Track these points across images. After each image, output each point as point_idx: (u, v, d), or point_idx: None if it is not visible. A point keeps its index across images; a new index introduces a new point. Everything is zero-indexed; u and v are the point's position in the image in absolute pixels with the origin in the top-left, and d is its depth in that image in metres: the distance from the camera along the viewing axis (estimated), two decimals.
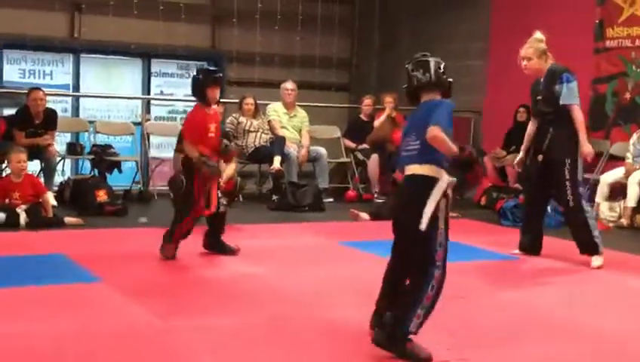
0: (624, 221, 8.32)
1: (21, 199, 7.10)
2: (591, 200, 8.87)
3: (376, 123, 10.32)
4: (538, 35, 6.20)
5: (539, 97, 6.19)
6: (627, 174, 8.57)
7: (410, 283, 3.80)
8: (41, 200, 7.20)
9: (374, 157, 10.09)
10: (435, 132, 3.65)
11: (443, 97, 3.94)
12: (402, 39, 12.40)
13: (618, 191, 8.73)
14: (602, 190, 8.72)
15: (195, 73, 6.09)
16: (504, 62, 10.74)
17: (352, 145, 10.59)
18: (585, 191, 6.27)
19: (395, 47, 12.42)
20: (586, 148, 6.02)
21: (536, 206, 6.46)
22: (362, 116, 10.74)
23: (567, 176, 6.01)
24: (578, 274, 5.89)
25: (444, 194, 3.67)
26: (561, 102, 6.02)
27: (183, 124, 6.63)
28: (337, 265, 5.97)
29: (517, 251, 6.46)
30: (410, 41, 12.33)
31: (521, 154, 6.47)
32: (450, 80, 3.97)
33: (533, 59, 6.11)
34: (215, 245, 6.09)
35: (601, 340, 4.20)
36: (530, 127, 6.40)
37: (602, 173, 9.06)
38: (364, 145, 10.39)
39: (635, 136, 8.82)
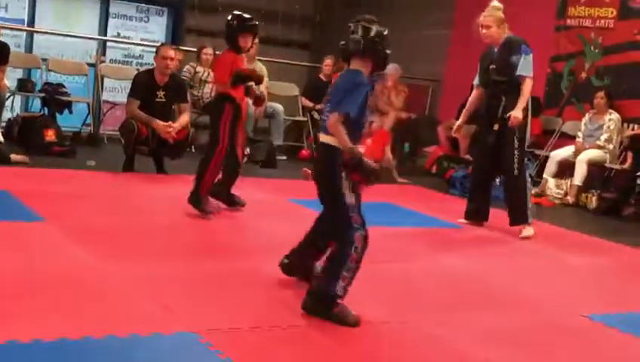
0: (570, 198, 8.46)
1: None
2: (538, 175, 9.05)
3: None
4: (496, 3, 6.20)
5: (492, 66, 6.18)
6: (576, 153, 8.70)
7: (333, 248, 3.84)
8: None
9: None
10: (333, 120, 3.65)
11: (374, 70, 3.86)
12: (366, 1, 12.32)
13: (566, 169, 8.87)
14: (551, 167, 8.86)
15: (229, 18, 5.92)
16: (467, 33, 10.79)
17: (310, 104, 10.55)
18: (530, 163, 6.40)
19: (359, 8, 12.28)
20: (517, 113, 5.98)
21: (485, 175, 6.49)
22: (322, 76, 10.69)
23: (516, 145, 6.09)
24: (519, 246, 5.99)
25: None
26: (517, 73, 6.02)
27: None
28: (283, 221, 5.97)
29: (462, 220, 6.53)
30: (375, 3, 12.26)
31: (459, 121, 6.60)
32: (388, 52, 3.84)
33: (492, 27, 6.11)
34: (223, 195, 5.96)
35: (537, 309, 4.29)
36: (473, 96, 6.49)
37: (552, 150, 9.19)
38: (321, 106, 10.35)
39: (587, 116, 8.95)
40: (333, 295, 3.64)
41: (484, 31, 6.14)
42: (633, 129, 8.82)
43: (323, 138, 3.80)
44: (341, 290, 3.66)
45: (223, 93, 5.83)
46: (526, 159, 6.21)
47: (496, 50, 6.20)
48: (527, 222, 6.20)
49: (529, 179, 6.29)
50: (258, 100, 6.29)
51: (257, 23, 6.00)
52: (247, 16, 5.93)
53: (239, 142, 5.96)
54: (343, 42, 3.89)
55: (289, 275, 4.18)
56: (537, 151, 9.50)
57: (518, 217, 6.22)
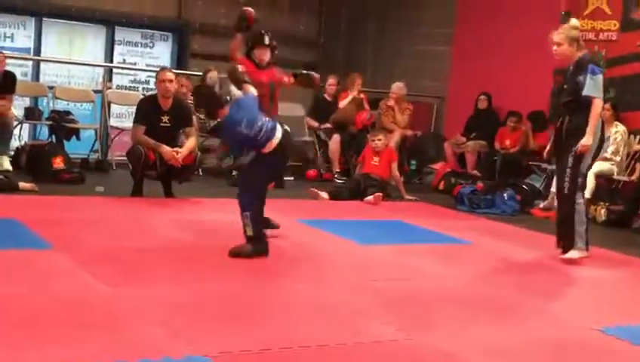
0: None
1: None
2: (546, 189, 9.02)
3: (342, 104, 10.34)
4: (574, 22, 6.10)
5: (564, 86, 6.09)
6: None
7: None
8: None
9: (336, 137, 10.11)
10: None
11: None
12: (369, 21, 12.40)
13: None
14: None
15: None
16: (468, 49, 10.89)
17: (315, 124, 10.57)
18: (583, 182, 6.01)
19: (361, 27, 12.41)
20: (587, 140, 5.83)
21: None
22: (326, 96, 10.72)
23: (570, 164, 5.91)
24: (528, 261, 5.97)
25: None
26: (583, 93, 5.85)
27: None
28: (293, 241, 5.97)
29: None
30: (377, 23, 12.33)
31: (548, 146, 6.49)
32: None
33: (564, 45, 5.96)
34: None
35: (548, 323, 4.27)
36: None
37: None
38: (327, 125, 10.39)
39: None
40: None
41: (554, 48, 6.02)
42: None
43: None
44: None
45: None
46: (580, 180, 5.92)
47: (570, 68, 6.07)
48: (575, 247, 5.92)
49: (580, 202, 5.95)
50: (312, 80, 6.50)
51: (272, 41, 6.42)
52: (263, 31, 6.39)
53: None
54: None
55: None
56: (545, 165, 9.48)
57: (565, 240, 5.98)
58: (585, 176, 6.06)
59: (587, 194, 8.36)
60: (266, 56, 6.20)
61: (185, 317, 3.80)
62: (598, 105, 5.91)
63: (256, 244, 5.13)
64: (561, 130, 6.04)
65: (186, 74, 9.91)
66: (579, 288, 5.29)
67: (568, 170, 5.92)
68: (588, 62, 5.96)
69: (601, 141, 6.09)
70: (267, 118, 5.21)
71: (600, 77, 5.91)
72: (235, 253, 5.05)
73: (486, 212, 8.18)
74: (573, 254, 5.92)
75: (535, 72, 9.91)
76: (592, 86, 5.86)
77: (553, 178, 8.89)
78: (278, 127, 5.21)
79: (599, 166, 8.54)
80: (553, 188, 8.76)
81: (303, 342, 3.56)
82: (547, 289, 5.14)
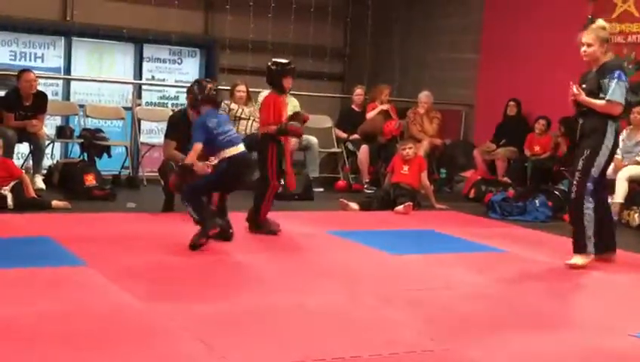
0: (613, 217, 8.32)
1: None
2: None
3: (370, 115, 10.34)
4: (601, 22, 5.96)
5: (584, 86, 5.89)
6: (616, 170, 8.57)
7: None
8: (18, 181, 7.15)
9: (365, 147, 10.10)
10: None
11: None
12: (395, 30, 12.40)
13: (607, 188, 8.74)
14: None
15: (269, 64, 6.64)
16: (496, 55, 10.84)
17: (344, 135, 10.58)
18: (592, 187, 5.82)
19: (388, 38, 12.41)
20: (583, 97, 5.76)
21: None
22: (354, 106, 10.73)
23: (580, 167, 5.81)
24: (562, 268, 5.89)
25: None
26: (607, 97, 5.71)
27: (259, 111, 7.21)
28: (324, 253, 5.98)
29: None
30: (403, 32, 12.32)
31: None
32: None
33: (594, 46, 5.81)
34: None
35: (582, 330, 4.22)
36: None
37: None
38: (355, 136, 10.39)
39: (625, 133, 8.84)
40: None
41: (584, 48, 5.85)
42: None
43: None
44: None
45: (267, 133, 6.48)
46: (589, 184, 5.78)
47: (594, 70, 5.92)
48: (583, 252, 5.81)
49: (589, 206, 5.80)
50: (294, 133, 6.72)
51: (294, 66, 6.69)
52: (286, 61, 6.66)
53: (287, 175, 6.73)
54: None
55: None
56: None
57: (575, 245, 5.86)
58: (597, 182, 5.87)
59: (620, 198, 8.33)
60: (290, 83, 6.61)
61: (219, 331, 3.82)
62: (617, 111, 5.80)
63: (206, 225, 5.71)
64: (574, 133, 5.99)
65: (219, 89, 9.97)
66: (613, 294, 5.22)
67: (577, 174, 5.83)
68: (617, 66, 5.85)
69: (615, 146, 5.96)
70: (235, 133, 6.16)
71: (625, 85, 5.80)
72: (193, 244, 5.64)
73: (518, 219, 8.11)
74: (577, 260, 5.81)
75: (564, 76, 9.78)
76: (618, 91, 5.72)
77: None
78: (242, 145, 5.95)
79: (631, 170, 8.46)
80: None
81: (337, 354, 3.56)
82: (582, 296, 5.10)
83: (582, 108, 5.90)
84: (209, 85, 6.09)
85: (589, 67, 6.04)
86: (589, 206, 5.83)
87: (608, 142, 5.81)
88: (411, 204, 8.20)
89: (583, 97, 5.81)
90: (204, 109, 6.01)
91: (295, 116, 6.72)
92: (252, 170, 6.77)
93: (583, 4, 9.69)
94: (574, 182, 5.86)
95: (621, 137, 8.82)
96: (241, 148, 5.94)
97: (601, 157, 5.81)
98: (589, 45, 5.84)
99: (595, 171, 5.81)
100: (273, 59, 6.67)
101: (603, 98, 5.75)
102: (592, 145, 5.82)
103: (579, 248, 5.85)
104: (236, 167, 5.95)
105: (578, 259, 5.81)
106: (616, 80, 5.73)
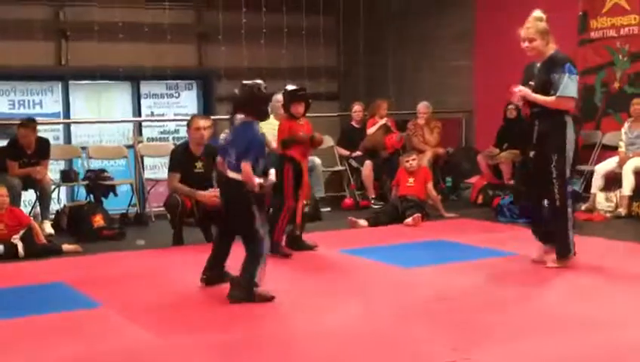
0: (622, 210, 8.31)
1: (6, 230, 7.06)
2: (586, 190, 8.93)
3: (370, 131, 10.36)
4: (537, 13, 5.77)
5: (530, 83, 5.70)
6: (621, 163, 8.58)
7: (247, 251, 5.03)
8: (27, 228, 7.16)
9: (368, 163, 10.11)
10: (245, 169, 4.96)
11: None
12: (388, 44, 12.44)
13: (613, 181, 8.74)
14: (597, 181, 8.73)
15: (282, 93, 6.88)
16: (490, 60, 10.86)
17: (346, 152, 10.59)
18: (570, 188, 5.80)
19: (381, 53, 12.45)
20: (530, 95, 5.61)
21: (535, 204, 5.94)
22: (353, 123, 10.75)
23: (554, 174, 5.62)
24: (578, 267, 5.87)
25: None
26: (559, 94, 5.54)
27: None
28: (339, 273, 5.97)
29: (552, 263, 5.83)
30: (396, 45, 12.37)
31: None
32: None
33: (537, 39, 5.65)
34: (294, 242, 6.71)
35: (606, 329, 4.20)
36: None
37: (596, 163, 9.08)
38: (358, 153, 10.40)
39: (626, 125, 8.85)
40: (254, 284, 4.87)
41: (526, 44, 5.69)
42: None
43: (231, 175, 5.08)
44: (258, 278, 4.90)
45: (284, 155, 6.63)
46: (567, 186, 5.71)
47: (538, 65, 5.75)
48: (569, 256, 5.76)
49: (570, 209, 5.75)
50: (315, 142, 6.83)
51: (305, 92, 6.82)
52: (295, 88, 6.80)
53: (302, 197, 6.70)
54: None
55: (210, 285, 5.33)
56: (581, 167, 9.39)
57: (561, 250, 5.78)
58: (570, 181, 5.80)
59: (628, 191, 8.32)
60: (301, 109, 6.68)
61: (243, 360, 3.81)
62: (570, 106, 5.64)
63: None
64: (529, 138, 5.70)
65: (209, 117, 10.00)
66: (630, 287, 5.20)
67: (555, 182, 5.62)
68: (566, 60, 5.65)
69: (576, 139, 5.83)
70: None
71: (576, 77, 5.62)
72: (260, 298, 4.98)
73: (529, 220, 8.09)
74: (564, 263, 5.75)
75: None
76: (570, 85, 5.55)
77: (592, 179, 8.83)
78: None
79: (637, 162, 8.45)
80: (594, 189, 8.69)
81: None
82: (599, 294, 5.07)
83: (534, 109, 5.69)
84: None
85: (532, 60, 5.86)
86: (570, 210, 5.76)
87: (570, 137, 5.68)
88: (420, 215, 8.19)
89: (534, 96, 5.61)
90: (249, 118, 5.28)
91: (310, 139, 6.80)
92: None
93: (574, 2, 9.73)
94: (555, 191, 5.63)
95: (623, 130, 8.84)
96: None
97: (568, 154, 5.68)
98: (530, 40, 5.68)
99: (567, 172, 5.69)
100: (286, 87, 6.85)
101: (554, 94, 5.57)
102: (556, 146, 5.63)
103: (567, 252, 5.76)
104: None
105: (564, 262, 5.75)
106: (567, 74, 5.55)
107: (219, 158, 5.35)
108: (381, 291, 5.33)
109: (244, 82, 5.39)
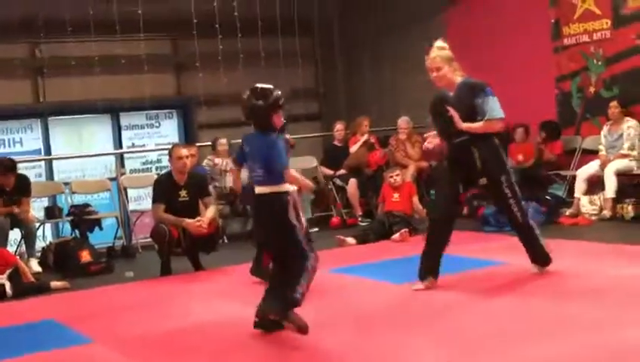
0: (606, 213, 8.37)
1: None
2: (570, 195, 8.99)
3: (353, 148, 10.39)
4: (439, 43, 5.70)
5: (449, 113, 5.54)
6: (603, 166, 8.65)
7: (289, 268, 4.64)
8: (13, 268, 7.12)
9: (353, 181, 10.13)
10: (290, 175, 4.66)
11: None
12: (364, 62, 12.52)
13: (596, 184, 8.81)
14: (580, 185, 8.79)
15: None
16: (466, 71, 10.91)
17: (330, 172, 10.62)
18: (526, 203, 5.85)
19: (358, 71, 12.53)
20: (468, 126, 5.50)
21: (447, 234, 5.79)
22: (336, 142, 10.79)
23: (509, 194, 5.61)
24: (567, 271, 5.90)
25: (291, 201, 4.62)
26: (488, 117, 5.48)
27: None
28: (332, 293, 5.95)
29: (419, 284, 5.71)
30: (373, 63, 12.44)
31: None
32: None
33: (444, 67, 5.57)
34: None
35: (602, 331, 4.22)
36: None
37: (577, 168, 9.15)
38: (342, 171, 10.43)
39: (605, 129, 8.93)
40: (295, 299, 4.46)
41: (434, 74, 5.60)
42: None
43: (261, 190, 4.64)
44: (299, 296, 4.49)
45: None
46: (523, 202, 5.72)
47: (451, 94, 5.64)
48: (549, 263, 5.79)
49: (532, 221, 5.80)
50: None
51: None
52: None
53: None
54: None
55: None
56: (564, 172, 9.46)
57: (541, 259, 5.81)
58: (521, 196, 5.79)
59: (611, 193, 8.38)
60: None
61: None
62: (500, 126, 5.60)
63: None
64: (466, 162, 5.59)
65: (194, 144, 10.00)
66: (621, 289, 5.22)
67: (512, 202, 5.62)
68: (484, 83, 5.62)
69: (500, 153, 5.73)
70: None
71: (496, 98, 5.58)
72: (292, 320, 4.63)
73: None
74: (549, 266, 5.81)
75: (537, 82, 9.94)
76: (496, 107, 5.53)
77: (575, 183, 8.89)
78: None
79: (618, 164, 8.52)
80: (577, 194, 8.75)
81: None
82: (590, 295, 5.09)
83: (463, 137, 5.57)
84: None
85: (437, 92, 5.77)
86: (532, 221, 5.81)
87: (505, 155, 5.74)
88: (407, 230, 8.21)
89: (466, 125, 5.53)
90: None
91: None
92: None
93: (546, 10, 9.84)
94: (515, 210, 5.63)
95: (602, 134, 8.92)
96: None
97: (510, 171, 5.75)
98: (438, 69, 5.59)
99: (517, 188, 5.70)
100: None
101: (481, 119, 5.52)
102: (501, 168, 5.64)
103: (547, 258, 5.81)
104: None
105: (546, 268, 5.81)
106: (490, 96, 5.54)
107: (235, 177, 5.25)
108: (374, 308, 5.33)
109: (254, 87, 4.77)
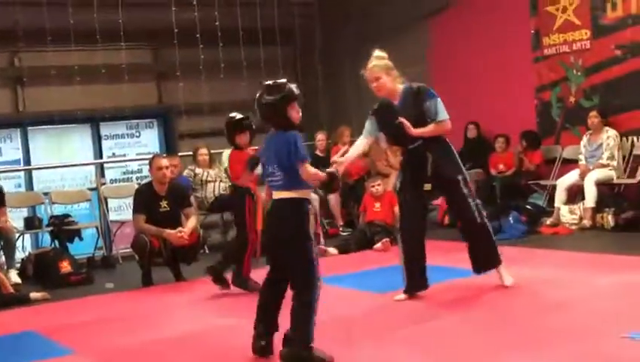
0: (586, 222, 8.41)
1: None
2: (550, 205, 9.05)
3: (334, 158, 10.38)
4: (377, 52, 5.73)
5: (400, 120, 5.52)
6: (582, 175, 8.71)
7: (295, 302, 4.17)
8: None
9: None
10: (307, 171, 4.20)
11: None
12: (345, 72, 12.53)
13: (576, 194, 8.86)
14: (560, 195, 8.84)
15: (226, 121, 6.55)
16: (447, 81, 10.97)
17: None
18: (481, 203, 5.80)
19: (339, 81, 12.54)
20: (419, 131, 5.50)
21: (420, 242, 5.80)
22: (318, 152, 10.79)
23: (467, 193, 5.60)
24: (543, 279, 5.93)
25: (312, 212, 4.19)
26: (438, 119, 5.53)
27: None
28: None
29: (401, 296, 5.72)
30: (353, 72, 12.41)
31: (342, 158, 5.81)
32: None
33: (382, 77, 5.60)
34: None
35: (575, 339, 4.24)
36: (363, 143, 5.95)
37: (558, 177, 9.20)
38: None
39: (585, 138, 8.99)
40: (310, 340, 4.09)
41: (374, 84, 5.61)
42: (632, 142, 8.83)
43: (279, 195, 4.20)
44: (312, 335, 4.11)
45: (241, 187, 6.46)
46: (478, 201, 5.73)
47: (396, 102, 5.66)
48: (500, 262, 5.78)
49: (487, 220, 5.75)
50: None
51: (250, 120, 6.49)
52: (240, 117, 6.51)
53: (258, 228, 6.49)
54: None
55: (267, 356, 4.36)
56: (543, 182, 9.52)
57: (492, 260, 5.78)
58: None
59: (591, 203, 8.43)
60: (247, 138, 6.47)
61: None
62: (449, 126, 5.63)
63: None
64: (423, 167, 5.58)
65: (176, 155, 9.97)
66: (601, 298, 5.25)
67: (471, 201, 5.61)
68: (425, 88, 5.65)
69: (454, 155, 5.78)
70: None
71: (440, 99, 5.62)
72: (319, 360, 4.19)
73: (495, 239, 8.13)
74: (508, 276, 5.78)
75: (517, 92, 10.01)
76: (442, 109, 5.57)
77: (555, 192, 8.94)
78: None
79: (598, 174, 8.58)
80: (557, 203, 8.80)
81: None
82: (568, 304, 5.12)
83: (417, 143, 5.60)
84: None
85: (380, 100, 5.79)
86: (489, 223, 5.80)
87: (458, 156, 5.75)
88: (388, 239, 8.21)
89: (418, 131, 5.54)
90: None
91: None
92: None
93: (526, 21, 9.90)
94: (473, 209, 5.62)
95: (582, 143, 8.99)
96: None
97: (466, 171, 5.77)
98: (377, 79, 5.60)
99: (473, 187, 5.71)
100: (229, 115, 6.55)
101: (431, 122, 5.56)
102: (457, 168, 5.66)
103: (498, 259, 5.79)
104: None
105: (503, 268, 5.80)
106: (436, 98, 5.59)
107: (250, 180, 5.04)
108: (356, 318, 5.31)
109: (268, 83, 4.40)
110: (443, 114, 5.58)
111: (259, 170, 5.16)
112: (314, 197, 4.17)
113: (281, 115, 4.26)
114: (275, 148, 4.25)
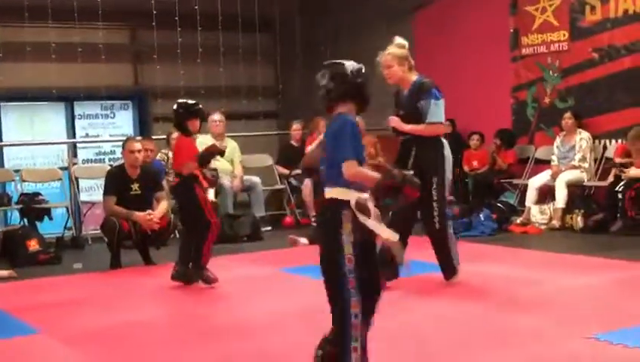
0: (556, 223, 8.49)
1: None
2: (520, 204, 9.12)
3: (309, 148, 10.38)
4: (398, 40, 5.72)
5: (401, 112, 5.71)
6: (554, 176, 8.79)
7: (333, 317, 3.59)
8: None
9: (307, 181, 10.11)
10: (351, 170, 3.49)
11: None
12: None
13: (546, 194, 8.94)
14: (531, 194, 8.91)
15: (175, 107, 6.38)
16: (429, 77, 11.01)
17: (286, 171, 10.59)
18: (450, 210, 5.83)
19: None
20: (405, 127, 5.60)
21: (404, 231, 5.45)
22: (293, 142, 10.77)
23: (435, 197, 5.59)
24: (512, 278, 5.98)
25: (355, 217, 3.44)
26: (427, 120, 5.57)
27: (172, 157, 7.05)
28: (282, 293, 5.94)
29: None
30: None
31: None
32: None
33: (394, 66, 5.62)
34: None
35: (540, 338, 4.28)
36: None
37: (529, 177, 9.27)
38: (297, 171, 10.40)
39: (558, 139, 9.07)
40: None
41: (385, 71, 5.64)
42: (605, 145, 8.92)
43: (327, 193, 3.57)
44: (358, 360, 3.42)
45: (189, 176, 6.22)
46: (447, 209, 5.76)
47: (405, 92, 5.74)
48: (455, 274, 5.80)
49: (451, 231, 5.82)
50: (211, 183, 6.61)
51: (201, 106, 6.44)
52: (191, 102, 6.39)
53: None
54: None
55: None
56: (515, 181, 9.59)
57: (448, 271, 5.83)
58: (449, 204, 5.82)
59: (561, 204, 8.51)
60: (197, 125, 6.36)
61: None
62: (440, 131, 5.68)
63: None
64: (404, 163, 5.55)
65: (151, 139, 9.89)
66: (567, 298, 5.30)
67: (435, 205, 5.59)
68: (432, 85, 5.66)
69: (449, 158, 5.78)
70: None
71: (442, 102, 5.63)
72: None
73: (465, 235, 8.19)
74: (456, 278, 5.83)
75: (493, 91, 10.05)
76: (435, 112, 5.59)
77: (526, 192, 9.01)
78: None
79: (569, 175, 8.67)
80: (528, 203, 8.87)
81: None
82: (536, 304, 5.16)
83: (407, 136, 5.69)
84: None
85: (397, 87, 5.82)
86: (451, 231, 5.82)
87: (448, 155, 5.74)
88: None
89: (406, 127, 5.62)
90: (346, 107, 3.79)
91: (211, 148, 6.61)
92: None
93: (505, 19, 9.94)
94: (435, 214, 5.61)
95: (555, 144, 9.06)
96: None
97: (447, 176, 5.76)
98: (388, 67, 5.63)
99: (447, 193, 5.73)
100: (179, 101, 6.45)
101: (424, 121, 5.59)
102: (435, 169, 5.64)
103: (453, 271, 5.82)
104: None
105: (456, 277, 5.83)
106: (432, 100, 5.59)
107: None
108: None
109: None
110: (435, 116, 5.60)
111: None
112: (363, 196, 3.53)
113: (365, 96, 3.84)
114: (328, 138, 3.82)
